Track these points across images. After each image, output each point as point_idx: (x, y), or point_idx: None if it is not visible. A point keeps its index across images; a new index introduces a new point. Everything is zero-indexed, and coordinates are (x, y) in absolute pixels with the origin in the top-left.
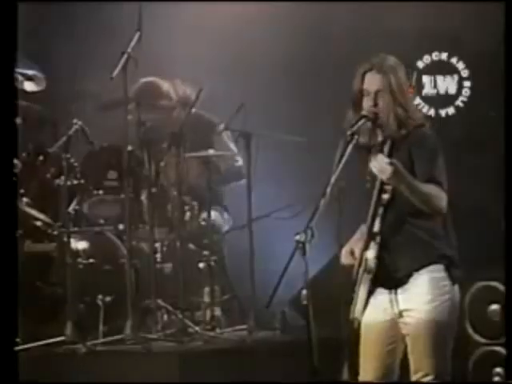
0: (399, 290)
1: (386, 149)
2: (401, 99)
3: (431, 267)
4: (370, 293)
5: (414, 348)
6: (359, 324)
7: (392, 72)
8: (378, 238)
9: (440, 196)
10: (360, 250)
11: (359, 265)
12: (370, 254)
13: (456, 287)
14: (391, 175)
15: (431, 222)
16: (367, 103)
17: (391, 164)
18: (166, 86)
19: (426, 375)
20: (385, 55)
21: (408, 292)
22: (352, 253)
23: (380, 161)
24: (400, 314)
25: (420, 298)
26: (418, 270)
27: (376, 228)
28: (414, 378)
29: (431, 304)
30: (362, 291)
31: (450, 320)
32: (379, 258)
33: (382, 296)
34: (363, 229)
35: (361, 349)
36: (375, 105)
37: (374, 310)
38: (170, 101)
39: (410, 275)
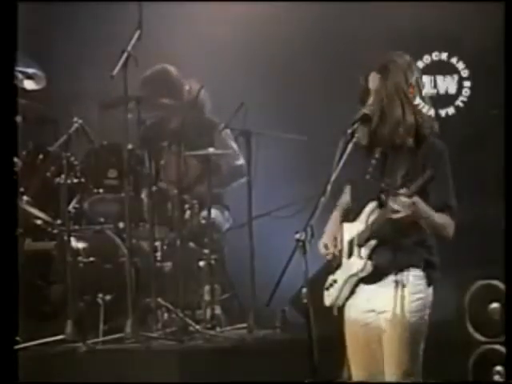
0: (380, 288)
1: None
2: (404, 101)
3: (411, 269)
4: (356, 287)
5: (385, 345)
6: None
7: (394, 72)
8: (374, 241)
9: (451, 225)
10: (340, 238)
11: (340, 252)
12: (365, 253)
13: (430, 289)
14: (412, 213)
15: (417, 230)
16: (371, 101)
17: (413, 204)
18: (179, 78)
19: (394, 374)
20: (397, 54)
21: (386, 290)
22: (326, 246)
23: (401, 201)
24: (378, 311)
25: (396, 297)
26: (400, 270)
27: (371, 229)
28: (386, 376)
29: (404, 302)
30: (343, 281)
31: (419, 319)
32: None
33: (362, 292)
34: (336, 216)
35: (348, 347)
36: (373, 104)
37: (356, 306)
38: (180, 93)
39: (388, 274)
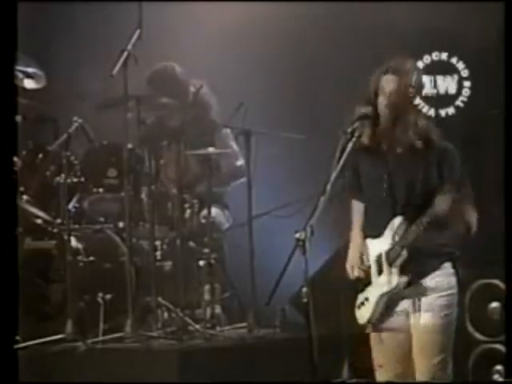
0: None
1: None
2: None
3: (444, 266)
4: (392, 302)
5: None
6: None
7: (410, 76)
8: (405, 253)
9: (476, 221)
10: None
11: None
12: (395, 270)
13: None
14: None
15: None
16: (382, 102)
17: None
18: (185, 78)
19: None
20: (406, 58)
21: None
22: (353, 267)
23: (443, 200)
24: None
25: (434, 294)
26: (434, 270)
27: (401, 245)
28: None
29: (442, 298)
30: (377, 299)
31: (455, 309)
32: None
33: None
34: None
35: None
36: (388, 104)
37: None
38: (185, 91)
39: (425, 276)
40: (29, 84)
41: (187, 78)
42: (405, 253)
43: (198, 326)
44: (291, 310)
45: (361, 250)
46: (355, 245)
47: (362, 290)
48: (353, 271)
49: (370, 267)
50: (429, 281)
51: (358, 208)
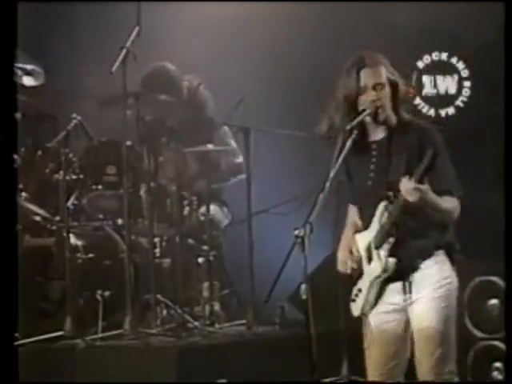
0: (411, 281)
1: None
2: (402, 91)
3: (435, 254)
4: (382, 289)
5: (417, 336)
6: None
7: (386, 65)
8: (392, 239)
9: (457, 209)
10: (355, 248)
11: (359, 262)
12: (384, 253)
13: (454, 271)
14: (417, 199)
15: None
16: (367, 99)
17: (418, 189)
18: (180, 74)
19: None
20: (368, 51)
21: (418, 281)
22: (344, 262)
23: (406, 185)
24: (411, 305)
25: (429, 285)
26: (425, 258)
27: (386, 228)
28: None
29: (439, 289)
30: (367, 287)
31: (453, 301)
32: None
33: (392, 292)
34: (347, 235)
35: (370, 349)
36: (377, 99)
37: (385, 308)
38: (180, 90)
39: (417, 265)
40: (28, 81)
41: (181, 76)
42: (392, 238)
43: (197, 323)
44: (290, 307)
45: (350, 245)
46: (344, 243)
47: (355, 283)
48: (344, 267)
49: (360, 259)
50: (420, 270)
51: (352, 211)
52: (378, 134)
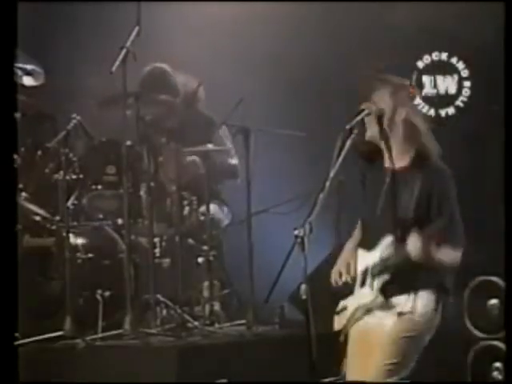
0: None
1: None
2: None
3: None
4: (366, 313)
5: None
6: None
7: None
8: (387, 276)
9: (458, 260)
10: (354, 265)
11: (353, 280)
12: (377, 285)
13: (437, 314)
14: (421, 258)
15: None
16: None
17: (425, 250)
18: (175, 75)
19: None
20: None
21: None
22: (340, 274)
23: (414, 241)
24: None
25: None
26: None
27: (386, 264)
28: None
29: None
30: (353, 309)
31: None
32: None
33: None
34: (349, 245)
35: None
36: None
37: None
38: (176, 91)
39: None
40: (28, 81)
41: (177, 77)
42: (387, 275)
43: (196, 323)
44: (290, 307)
45: (350, 258)
46: (346, 253)
47: (344, 298)
48: (338, 276)
49: (355, 277)
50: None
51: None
52: (397, 162)
